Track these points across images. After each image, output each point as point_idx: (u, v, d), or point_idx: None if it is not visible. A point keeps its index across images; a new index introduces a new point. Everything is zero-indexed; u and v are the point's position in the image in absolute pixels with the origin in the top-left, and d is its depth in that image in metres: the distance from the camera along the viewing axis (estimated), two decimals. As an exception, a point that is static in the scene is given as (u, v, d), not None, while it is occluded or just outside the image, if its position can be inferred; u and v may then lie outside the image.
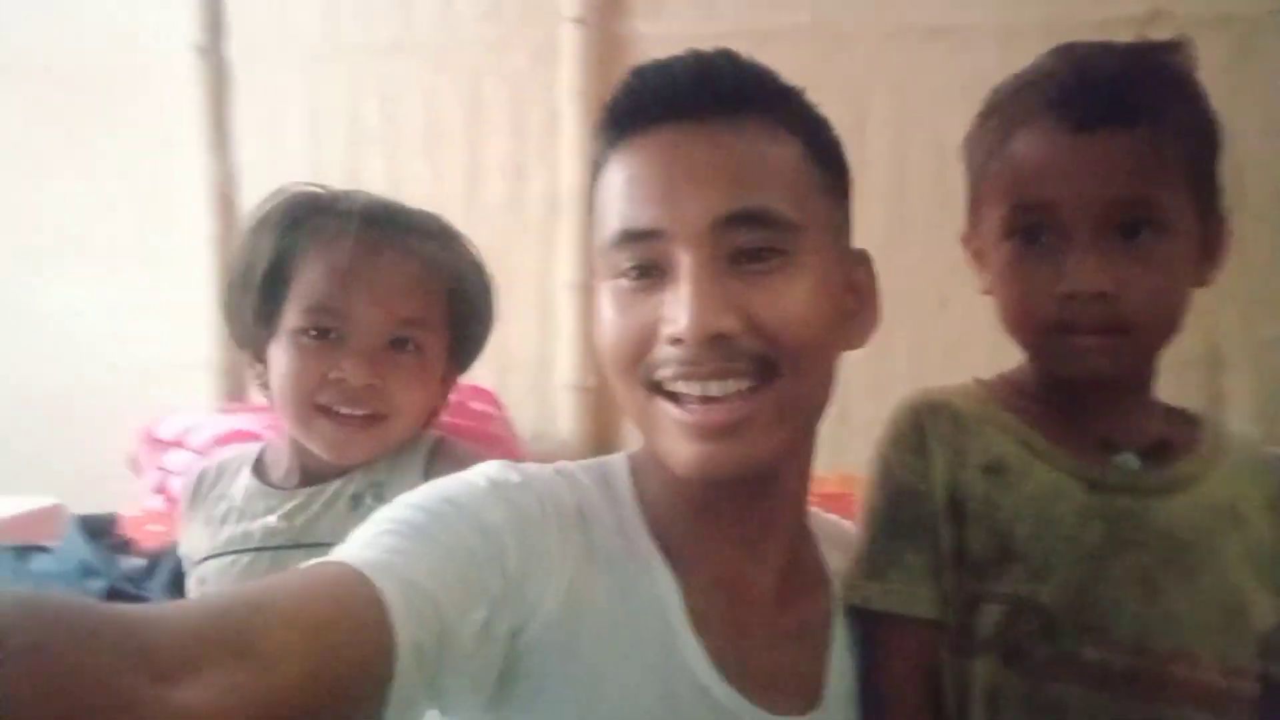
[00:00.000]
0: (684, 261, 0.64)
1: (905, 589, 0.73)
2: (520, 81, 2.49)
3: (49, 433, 2.71)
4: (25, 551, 1.78)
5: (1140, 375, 0.77)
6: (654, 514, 0.73)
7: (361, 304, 0.95)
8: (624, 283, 0.68)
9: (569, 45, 2.41)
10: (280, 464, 1.05)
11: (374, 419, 0.97)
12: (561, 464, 0.77)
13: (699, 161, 0.65)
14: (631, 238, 0.67)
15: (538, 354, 2.47)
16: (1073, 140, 0.69)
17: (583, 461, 0.79)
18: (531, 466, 0.74)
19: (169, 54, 2.58)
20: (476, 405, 1.91)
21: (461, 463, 1.01)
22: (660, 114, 0.67)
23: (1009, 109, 0.75)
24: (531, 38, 2.46)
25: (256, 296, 0.97)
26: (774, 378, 0.65)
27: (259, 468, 1.06)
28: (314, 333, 0.96)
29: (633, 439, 2.84)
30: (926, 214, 2.19)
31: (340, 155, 2.56)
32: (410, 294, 0.98)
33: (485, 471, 0.70)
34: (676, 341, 0.64)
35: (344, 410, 0.96)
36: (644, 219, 0.66)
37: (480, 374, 2.36)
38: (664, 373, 0.66)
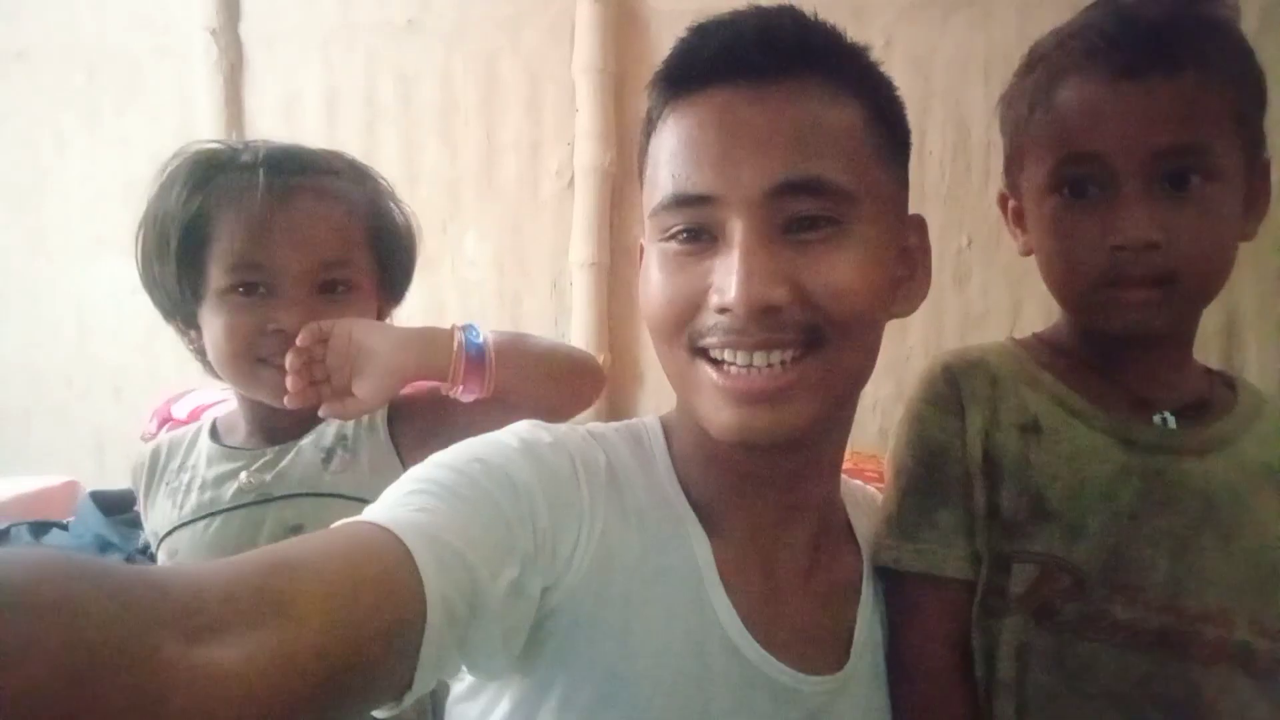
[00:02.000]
0: (736, 229, 0.63)
1: (937, 549, 0.72)
2: (535, 59, 2.45)
3: (64, 412, 2.74)
4: (41, 527, 1.78)
5: (1183, 332, 0.75)
6: (687, 474, 0.73)
7: (284, 253, 0.93)
8: (673, 245, 0.66)
9: (584, 21, 2.38)
10: (238, 428, 1.03)
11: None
12: (593, 424, 0.76)
13: (756, 127, 0.63)
14: (683, 202, 0.65)
15: (552, 332, 2.44)
16: (1119, 88, 0.68)
17: (614, 423, 0.77)
18: (562, 427, 0.73)
19: (186, 36, 2.56)
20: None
21: (424, 415, 1.00)
22: (719, 73, 0.65)
23: (1052, 61, 0.73)
24: (546, 14, 2.42)
25: (175, 264, 0.94)
26: (820, 347, 0.64)
27: (216, 437, 1.04)
28: (242, 290, 0.93)
29: (647, 415, 2.81)
30: (945, 188, 2.18)
31: (356, 134, 2.54)
32: (331, 235, 0.96)
33: (516, 431, 0.69)
34: (724, 310, 0.62)
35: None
36: (697, 184, 0.64)
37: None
38: (709, 340, 0.64)
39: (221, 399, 1.81)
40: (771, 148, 0.63)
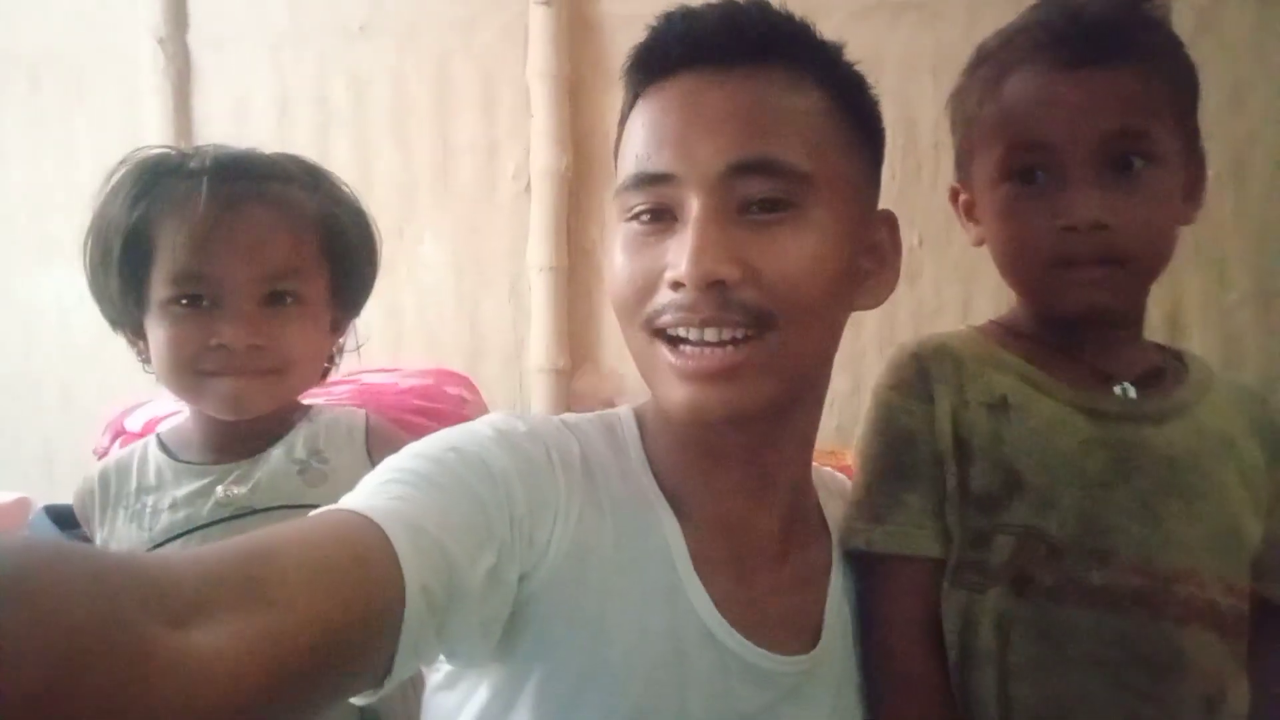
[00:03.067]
0: (693, 207, 0.64)
1: (908, 530, 0.74)
2: (489, 61, 2.43)
3: (11, 425, 2.66)
4: (-8, 546, 1.75)
5: (1133, 310, 0.78)
6: (659, 462, 0.74)
7: (227, 264, 0.90)
8: (635, 226, 0.68)
9: (537, 26, 2.36)
10: (193, 442, 1.00)
11: (268, 374, 0.93)
12: (566, 415, 0.77)
13: (715, 108, 0.65)
14: (644, 181, 0.67)
15: (510, 337, 2.43)
16: (1064, 78, 0.71)
17: (587, 414, 0.78)
18: (536, 417, 0.74)
19: (132, 41, 2.50)
20: (452, 390, 1.88)
21: (396, 445, 1.00)
22: (684, 60, 0.67)
23: (999, 57, 0.76)
24: (500, 17, 2.40)
25: (118, 273, 0.92)
26: (770, 330, 0.65)
27: (170, 454, 1.01)
28: (184, 301, 0.90)
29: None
30: (896, 188, 2.20)
31: (309, 139, 2.49)
32: (277, 244, 0.92)
33: (491, 421, 0.70)
34: (677, 285, 0.64)
35: (231, 375, 0.91)
36: (657, 163, 0.66)
37: (453, 356, 2.38)
38: (665, 319, 0.65)
39: (176, 410, 1.78)
40: (730, 128, 0.64)
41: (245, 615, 0.44)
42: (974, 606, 0.72)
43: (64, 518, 1.75)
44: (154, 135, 2.45)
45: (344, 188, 1.03)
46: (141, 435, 1.82)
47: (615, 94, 2.73)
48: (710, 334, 0.64)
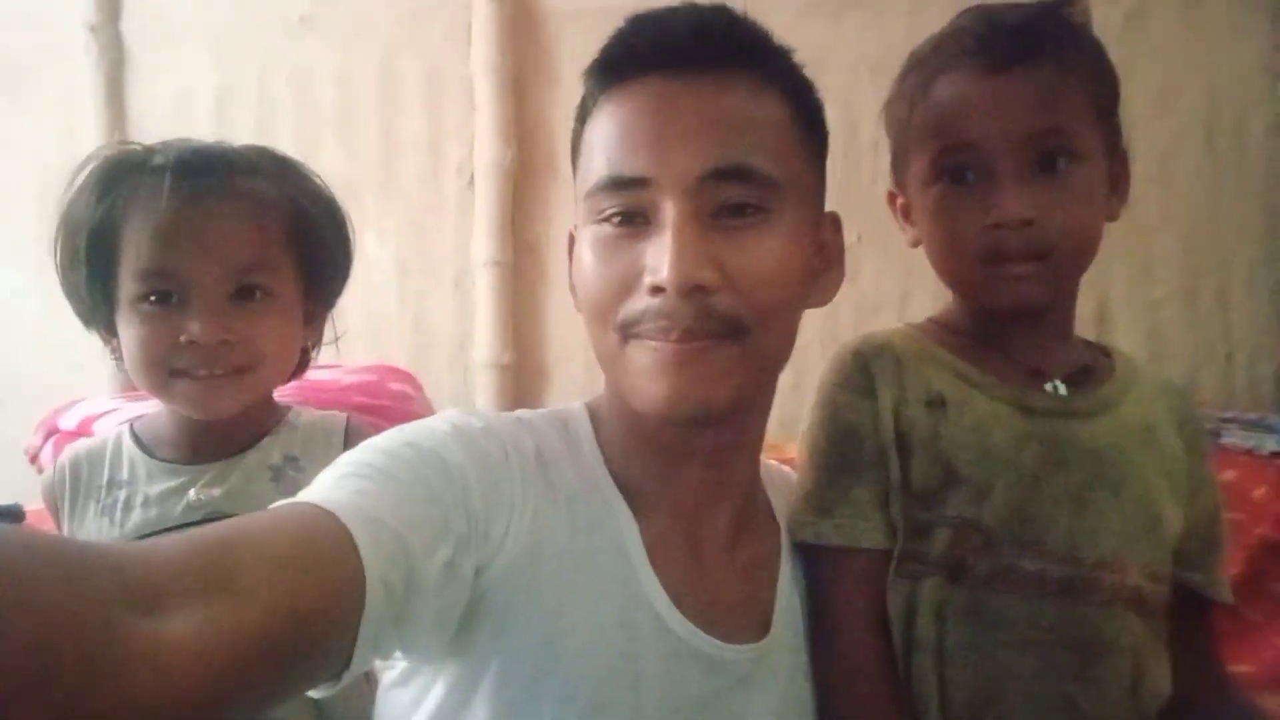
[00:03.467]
0: (669, 212, 0.65)
1: (855, 522, 0.76)
2: (434, 56, 2.41)
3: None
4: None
5: (1062, 305, 0.81)
6: (613, 458, 0.75)
7: (194, 259, 0.89)
8: (607, 228, 0.68)
9: (481, 20, 2.35)
10: (168, 440, 0.99)
11: (239, 371, 0.92)
12: (520, 411, 0.78)
13: (691, 115, 0.66)
14: (619, 184, 0.67)
15: (455, 331, 2.41)
16: (989, 81, 0.74)
17: (540, 410, 0.79)
18: (491, 414, 0.74)
19: (68, 33, 2.42)
20: (395, 386, 1.87)
21: None
22: (653, 63, 0.67)
23: (929, 62, 0.78)
24: (444, 12, 2.38)
25: (85, 272, 0.91)
26: (743, 335, 0.66)
27: (144, 448, 0.99)
28: (153, 299, 0.90)
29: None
30: (836, 185, 2.23)
31: (249, 134, 2.42)
32: (244, 238, 0.91)
33: (447, 417, 0.70)
34: (657, 290, 0.64)
35: (203, 372, 0.91)
36: (633, 167, 0.66)
37: (398, 352, 2.36)
38: (643, 326, 0.66)
39: (112, 409, 1.73)
40: (706, 135, 0.65)
41: (211, 604, 0.45)
42: (915, 595, 0.74)
43: (1, 516, 1.71)
44: (90, 129, 2.39)
45: (315, 179, 1.02)
46: (77, 434, 1.78)
47: (559, 89, 2.75)
48: (686, 337, 0.65)
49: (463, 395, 2.45)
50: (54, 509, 1.01)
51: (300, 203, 0.97)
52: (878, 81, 2.17)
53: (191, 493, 0.93)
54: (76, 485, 0.99)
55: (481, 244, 2.39)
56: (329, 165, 2.43)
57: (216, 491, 0.93)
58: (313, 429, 1.01)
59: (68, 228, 0.92)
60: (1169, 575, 0.77)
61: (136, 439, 1.00)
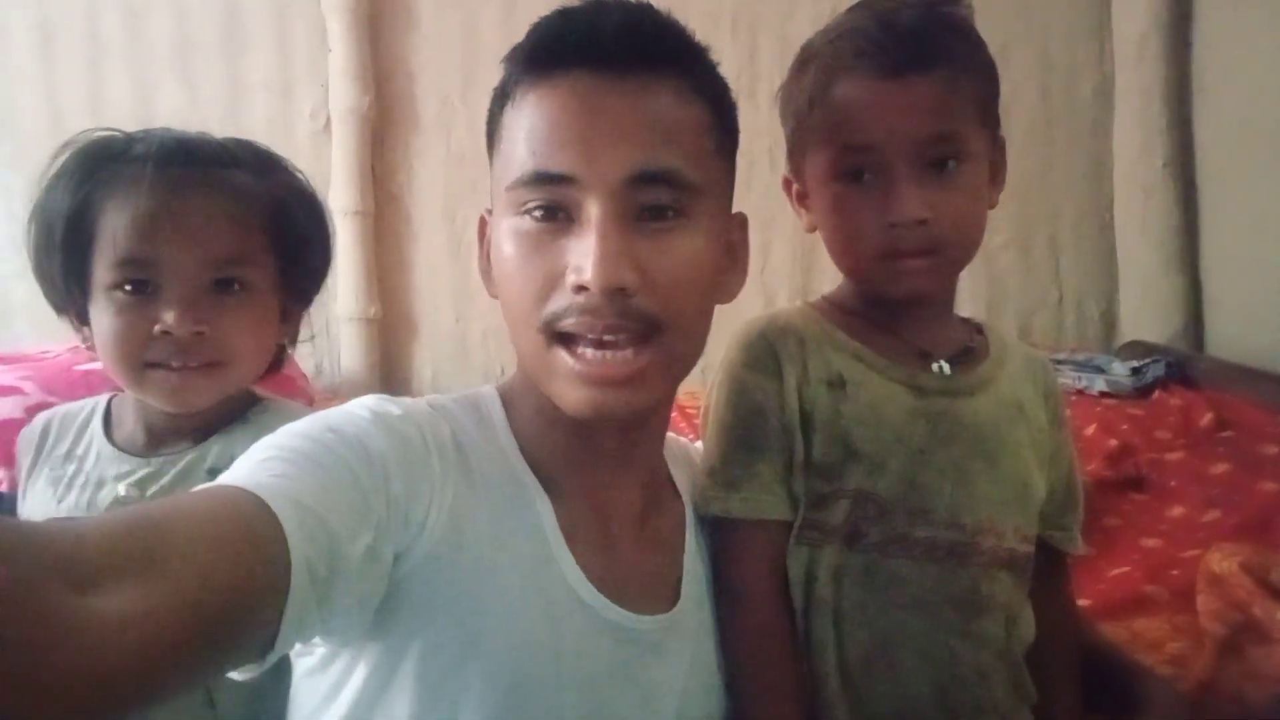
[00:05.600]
0: (593, 212, 0.65)
1: (759, 496, 0.79)
2: (282, -6, 2.26)
3: None
4: None
5: (947, 292, 0.86)
6: (527, 441, 0.76)
7: (171, 249, 0.87)
8: (528, 221, 0.68)
9: (332, -43, 2.21)
10: (126, 422, 0.97)
11: (212, 365, 0.91)
12: (431, 397, 0.78)
13: (618, 116, 0.67)
14: (543, 179, 0.67)
15: (316, 285, 2.35)
16: (885, 87, 0.76)
17: (451, 395, 0.80)
18: (406, 400, 0.74)
19: None
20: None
21: None
22: (580, 59, 0.68)
23: (825, 60, 0.80)
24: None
25: (60, 258, 0.89)
26: (660, 334, 0.68)
27: (107, 425, 0.97)
28: (128, 288, 0.87)
29: (420, 370, 2.75)
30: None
31: (77, 74, 2.26)
32: (223, 231, 0.89)
33: (365, 404, 0.70)
34: (581, 289, 0.65)
35: (176, 364, 0.88)
36: (559, 163, 0.66)
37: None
38: (566, 322, 0.67)
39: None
40: (632, 138, 0.66)
41: (140, 582, 0.45)
42: (814, 560, 0.78)
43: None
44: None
45: (297, 174, 0.99)
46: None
47: (419, 31, 2.66)
48: (609, 337, 0.66)
49: (326, 351, 2.36)
50: (17, 464, 0.99)
51: (282, 197, 0.95)
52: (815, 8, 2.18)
53: (121, 487, 0.92)
54: (41, 447, 0.98)
55: (340, 193, 2.28)
56: (168, 109, 2.30)
57: (147, 491, 0.91)
58: (268, 426, 0.97)
59: (44, 213, 0.89)
60: (1035, 535, 0.84)
61: (107, 415, 0.98)
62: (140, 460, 0.93)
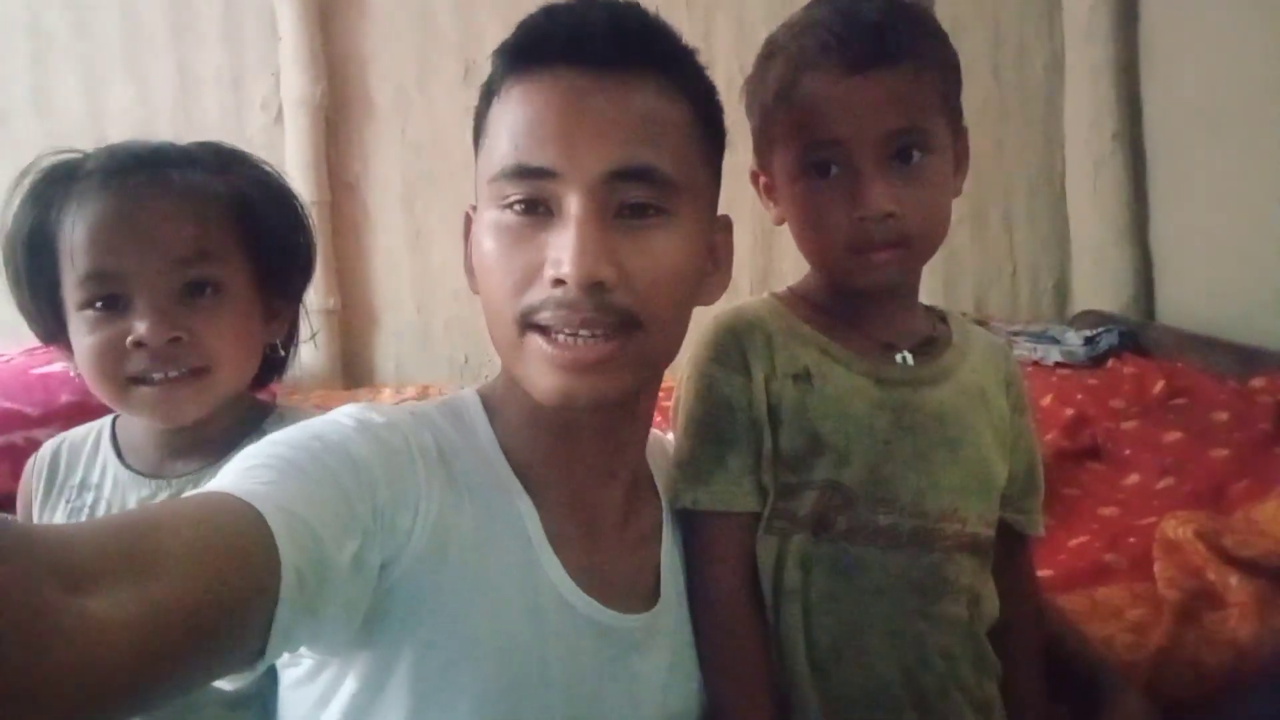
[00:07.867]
0: (573, 207, 0.66)
1: (729, 489, 0.80)
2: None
3: None
4: None
5: (912, 283, 0.86)
6: (509, 444, 0.76)
7: (134, 258, 0.84)
8: (509, 215, 0.68)
9: (280, -56, 2.16)
10: (136, 443, 0.93)
11: (195, 373, 0.87)
12: (412, 404, 0.78)
13: (601, 112, 0.67)
14: (525, 173, 0.67)
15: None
16: (851, 83, 0.76)
17: (431, 401, 0.80)
18: (387, 407, 0.74)
19: None
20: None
21: None
22: (567, 55, 0.68)
23: (790, 55, 0.80)
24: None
25: (28, 286, 0.87)
26: (635, 330, 0.68)
27: (117, 448, 0.94)
28: (99, 304, 0.85)
29: (383, 362, 2.71)
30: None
31: (22, 71, 2.18)
32: (183, 231, 0.86)
33: (349, 412, 0.70)
34: (559, 283, 0.65)
35: (157, 375, 0.85)
36: (540, 157, 0.67)
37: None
38: (543, 315, 0.67)
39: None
40: (615, 134, 0.67)
41: (133, 584, 0.45)
42: (783, 549, 0.79)
43: None
44: None
45: (264, 168, 0.96)
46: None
47: (370, 18, 2.60)
48: (584, 331, 0.66)
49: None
50: (27, 499, 0.95)
51: (245, 192, 0.91)
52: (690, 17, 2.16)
53: None
54: (52, 479, 0.94)
55: (295, 183, 2.22)
56: (118, 105, 2.24)
57: None
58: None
59: (8, 243, 0.88)
60: (996, 519, 0.85)
61: (114, 439, 0.95)
62: (160, 481, 0.91)
